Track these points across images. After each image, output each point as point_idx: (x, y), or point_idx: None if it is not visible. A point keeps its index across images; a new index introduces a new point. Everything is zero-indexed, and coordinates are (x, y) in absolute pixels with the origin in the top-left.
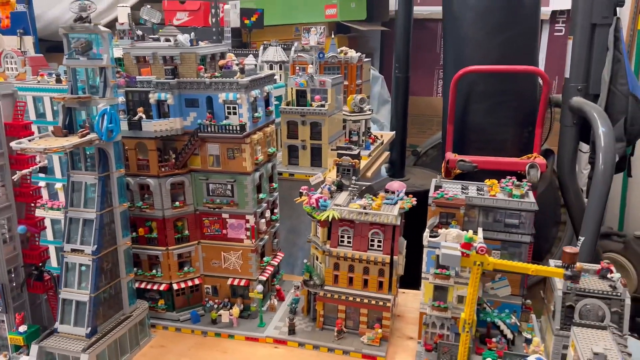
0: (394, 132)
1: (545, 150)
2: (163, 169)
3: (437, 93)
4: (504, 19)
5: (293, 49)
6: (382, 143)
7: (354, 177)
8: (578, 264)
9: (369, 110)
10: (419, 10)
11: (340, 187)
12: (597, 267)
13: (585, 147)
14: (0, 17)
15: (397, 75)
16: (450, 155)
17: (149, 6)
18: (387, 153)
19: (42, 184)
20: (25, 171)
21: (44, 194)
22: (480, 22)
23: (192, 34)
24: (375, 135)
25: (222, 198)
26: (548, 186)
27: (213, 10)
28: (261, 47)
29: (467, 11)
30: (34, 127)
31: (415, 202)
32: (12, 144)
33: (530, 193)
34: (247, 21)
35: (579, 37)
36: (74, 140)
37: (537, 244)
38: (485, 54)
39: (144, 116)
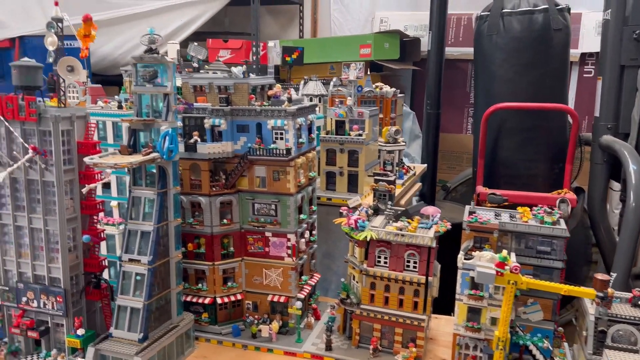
0: (425, 165)
1: (576, 188)
2: (214, 189)
3: (466, 130)
4: (533, 59)
5: (332, 83)
6: (414, 174)
7: (389, 202)
8: (610, 290)
9: (403, 142)
10: (450, 51)
11: (376, 211)
12: (629, 295)
13: (616, 185)
14: (80, 47)
15: (429, 112)
16: (481, 189)
17: (195, 44)
18: (418, 184)
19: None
20: (92, 185)
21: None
22: (510, 61)
23: (244, 66)
24: (408, 166)
25: (266, 217)
26: (579, 225)
27: (254, 49)
28: (302, 82)
29: (497, 51)
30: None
31: (450, 226)
32: (86, 159)
33: (562, 220)
34: (288, 58)
35: (608, 78)
36: (139, 157)
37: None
38: (515, 92)
39: (198, 139)
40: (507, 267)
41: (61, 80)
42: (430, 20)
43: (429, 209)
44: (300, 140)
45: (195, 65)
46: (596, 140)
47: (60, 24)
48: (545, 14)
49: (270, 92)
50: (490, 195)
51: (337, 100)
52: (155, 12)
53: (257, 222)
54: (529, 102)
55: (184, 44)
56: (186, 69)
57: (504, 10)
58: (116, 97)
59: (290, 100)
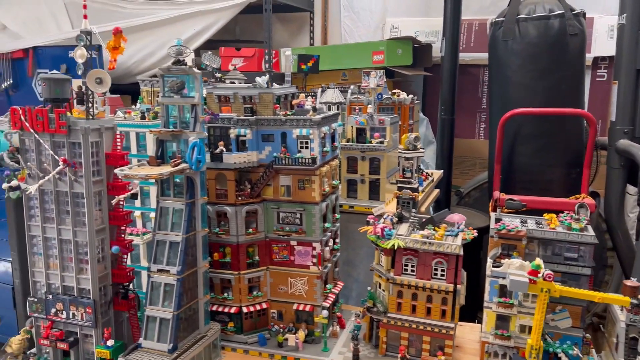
0: (442, 171)
1: (591, 193)
2: (239, 198)
3: (478, 135)
4: (549, 64)
5: (350, 91)
6: (432, 180)
7: (413, 210)
8: None
9: (422, 148)
10: (462, 56)
11: (400, 219)
12: None
13: (632, 189)
14: (109, 59)
15: (443, 117)
16: (497, 194)
17: (209, 52)
18: (437, 190)
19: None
20: (121, 197)
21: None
22: (526, 67)
23: (268, 76)
24: (427, 173)
25: (291, 226)
26: (594, 229)
27: (267, 57)
28: (319, 90)
29: (513, 57)
30: None
31: (476, 234)
32: (117, 170)
33: (589, 227)
34: (304, 66)
35: (624, 81)
36: (169, 168)
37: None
38: (531, 97)
39: (224, 149)
40: (539, 275)
41: (90, 92)
42: (443, 26)
43: (455, 217)
44: (325, 149)
45: (218, 75)
46: (612, 145)
47: (89, 37)
48: (562, 19)
49: (295, 102)
50: (509, 201)
51: (355, 107)
52: (168, 22)
53: (282, 231)
54: (545, 108)
55: (197, 52)
56: (209, 81)
57: (519, 16)
58: (138, 106)
59: (315, 109)
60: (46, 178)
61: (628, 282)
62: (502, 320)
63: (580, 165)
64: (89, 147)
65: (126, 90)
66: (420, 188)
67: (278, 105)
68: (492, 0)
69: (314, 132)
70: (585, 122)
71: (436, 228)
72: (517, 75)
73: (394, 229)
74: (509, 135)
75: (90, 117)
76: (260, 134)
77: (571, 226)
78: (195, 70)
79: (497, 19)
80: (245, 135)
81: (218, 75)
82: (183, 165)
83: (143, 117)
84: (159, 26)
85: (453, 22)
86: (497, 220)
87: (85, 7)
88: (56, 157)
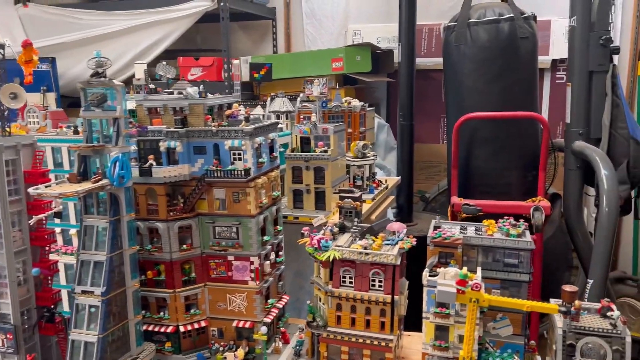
0: (400, 177)
1: (552, 195)
2: (171, 213)
3: (443, 140)
4: (501, 68)
5: (298, 99)
6: (386, 187)
7: (356, 219)
8: (577, 302)
9: (373, 156)
10: (423, 62)
11: (342, 229)
12: (597, 305)
13: (592, 190)
14: (24, 74)
15: (402, 123)
16: (455, 200)
17: (164, 62)
18: (392, 197)
19: (57, 230)
20: (41, 216)
21: (59, 239)
22: (479, 71)
23: (201, 86)
24: (379, 180)
25: (228, 240)
26: (557, 231)
27: (225, 66)
28: (269, 99)
29: (466, 61)
30: (51, 175)
31: (415, 242)
32: (30, 190)
33: (527, 232)
34: (256, 75)
35: (577, 84)
36: (86, 185)
37: (548, 289)
38: (485, 101)
39: (154, 163)
40: (467, 285)
41: (3, 108)
42: (399, 31)
43: (394, 225)
44: (260, 160)
45: (152, 86)
46: (569, 147)
47: (1, 50)
48: (511, 23)
49: (227, 112)
50: (465, 206)
51: (303, 116)
52: (124, 32)
53: (218, 246)
54: (499, 111)
55: (154, 63)
56: (163, 92)
57: (470, 20)
58: (74, 122)
59: (247, 119)
60: None
61: (566, 287)
62: (441, 331)
63: (536, 168)
64: (3, 166)
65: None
66: (371, 196)
67: (210, 116)
68: (450, 4)
69: (246, 143)
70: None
71: (374, 238)
72: (471, 80)
73: (332, 240)
74: (464, 140)
75: (7, 133)
76: (192, 146)
77: (509, 232)
78: (116, 82)
79: (449, 24)
80: (175, 148)
81: (152, 86)
82: (104, 181)
83: (76, 132)
84: (116, 37)
85: (408, 28)
86: (435, 227)
87: None
88: None
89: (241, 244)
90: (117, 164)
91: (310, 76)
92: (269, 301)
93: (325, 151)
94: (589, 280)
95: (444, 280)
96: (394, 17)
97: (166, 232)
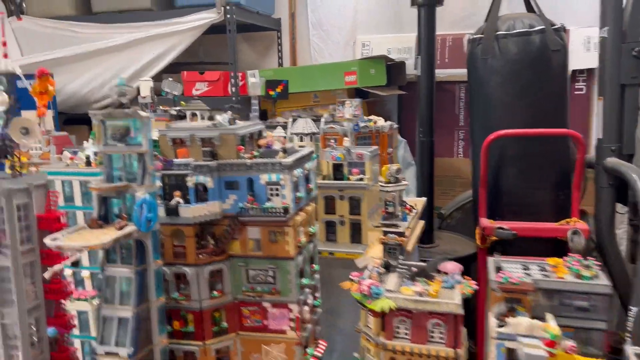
0: (425, 198)
1: (579, 212)
2: (201, 256)
3: (457, 154)
4: (531, 82)
5: (323, 120)
6: (417, 212)
7: (400, 256)
8: None
9: (404, 179)
10: (438, 73)
11: (387, 268)
12: None
13: (622, 208)
14: (37, 105)
15: (422, 140)
16: (485, 222)
17: (170, 78)
18: (421, 223)
19: (67, 272)
20: (57, 268)
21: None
22: (507, 85)
23: (230, 112)
24: (410, 205)
25: (263, 285)
26: (583, 250)
27: (232, 80)
28: (290, 119)
29: (493, 75)
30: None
31: (477, 287)
32: (47, 240)
33: (602, 274)
34: (272, 92)
35: (609, 98)
36: (112, 233)
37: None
38: (513, 117)
39: (181, 201)
40: (559, 347)
41: (13, 145)
42: (418, 43)
43: (448, 266)
44: (299, 194)
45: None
46: (600, 163)
47: (10, 79)
48: (542, 35)
49: (261, 142)
50: (498, 230)
51: (330, 138)
52: (125, 46)
53: (252, 291)
54: (528, 127)
55: (157, 77)
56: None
57: (498, 32)
58: (89, 143)
59: (285, 150)
60: None
61: None
62: None
63: (568, 186)
64: (14, 212)
65: (82, 119)
66: (405, 223)
67: (243, 146)
68: (463, 14)
69: (285, 177)
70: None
71: (430, 282)
72: (498, 94)
73: (381, 285)
74: (493, 158)
75: (17, 174)
76: (224, 181)
77: (580, 274)
78: (142, 113)
79: (474, 36)
80: (205, 184)
81: (175, 109)
82: (130, 228)
83: (88, 164)
84: (116, 51)
85: (428, 39)
86: (497, 269)
87: (4, 44)
88: None
89: (278, 290)
90: (145, 206)
91: (321, 90)
92: (308, 350)
93: (361, 179)
94: (631, 307)
95: (523, 337)
96: (405, 27)
97: (195, 277)
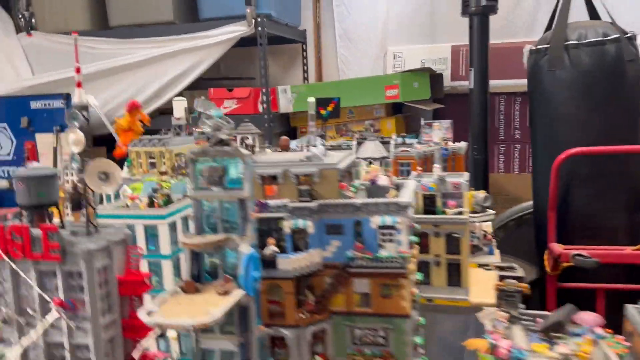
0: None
1: None
2: (302, 315)
3: (498, 169)
4: (605, 96)
5: (392, 142)
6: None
7: (520, 305)
8: None
9: (489, 208)
10: (464, 85)
11: (510, 320)
12: None
13: None
14: (117, 143)
15: (476, 157)
16: (557, 248)
17: (203, 97)
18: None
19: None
20: (146, 343)
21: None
22: (579, 99)
23: (321, 140)
24: (490, 234)
25: (373, 347)
26: None
27: (264, 97)
28: (354, 142)
29: (563, 88)
30: None
31: (628, 346)
32: (143, 316)
33: None
34: (323, 111)
35: None
36: (218, 302)
37: None
38: (585, 133)
39: (276, 249)
40: None
41: (90, 194)
42: (470, 55)
43: (586, 317)
44: (412, 238)
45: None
46: None
47: (85, 113)
48: (617, 44)
49: (366, 177)
50: (577, 258)
51: (402, 162)
52: (146, 62)
53: (360, 354)
54: (602, 144)
55: (180, 95)
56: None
57: (568, 42)
58: (125, 171)
59: (398, 187)
60: (34, 337)
61: None
62: None
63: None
64: (95, 278)
65: (101, 140)
66: (493, 257)
67: (344, 183)
68: (502, 23)
69: (401, 220)
70: None
71: (579, 343)
72: (568, 109)
73: (522, 348)
74: (562, 178)
75: (93, 229)
76: (324, 225)
77: None
78: (244, 151)
79: (538, 47)
80: (305, 229)
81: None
82: (237, 293)
83: (152, 204)
84: (138, 67)
85: (481, 51)
86: None
87: (78, 71)
88: (46, 297)
89: (392, 353)
90: (252, 263)
91: (360, 106)
92: None
93: (460, 212)
94: None
95: None
96: (440, 36)
97: (296, 341)
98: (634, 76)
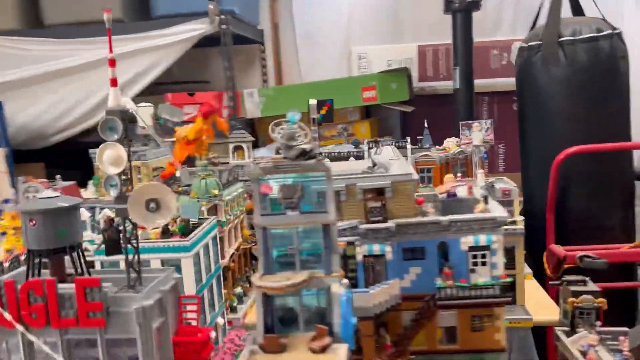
0: None
1: None
2: (381, 359)
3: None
4: (601, 92)
5: (408, 146)
6: None
7: (597, 323)
8: None
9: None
10: (435, 86)
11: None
12: None
13: None
14: (172, 159)
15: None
16: (558, 249)
17: (167, 103)
18: None
19: None
20: None
21: None
22: (576, 97)
23: (392, 146)
24: None
25: None
26: None
27: (231, 102)
28: (366, 145)
29: (558, 86)
30: None
31: None
32: None
33: None
34: (317, 115)
35: None
36: None
37: None
38: (582, 131)
39: (347, 282)
40: None
41: (134, 229)
42: (454, 54)
43: None
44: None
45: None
46: None
47: (124, 117)
48: (611, 40)
49: (443, 188)
50: (586, 259)
51: (422, 169)
52: (92, 65)
53: None
54: (600, 142)
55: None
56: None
57: (563, 39)
58: (90, 190)
59: (487, 199)
60: None
61: None
62: None
63: (632, 205)
64: (151, 343)
65: (35, 156)
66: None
67: (422, 199)
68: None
69: (497, 238)
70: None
71: None
72: (565, 106)
73: None
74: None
75: (136, 278)
76: (401, 249)
77: None
78: (328, 164)
79: (531, 43)
80: (384, 255)
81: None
82: (341, 350)
83: (166, 232)
84: (81, 71)
85: (465, 48)
86: None
87: (112, 63)
88: None
89: None
90: (349, 307)
91: (336, 108)
92: None
93: (514, 222)
94: None
95: None
96: (406, 36)
97: None
98: (625, 73)
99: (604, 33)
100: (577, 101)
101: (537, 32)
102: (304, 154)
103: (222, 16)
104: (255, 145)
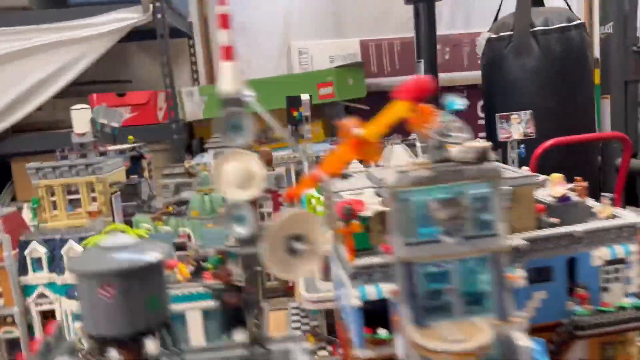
0: None
1: None
2: None
3: None
4: (575, 83)
5: (418, 145)
6: None
7: None
8: None
9: None
10: (384, 82)
11: None
12: None
13: None
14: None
15: None
16: None
17: (105, 104)
18: None
19: None
20: None
21: None
22: (551, 88)
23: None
24: None
25: None
26: None
27: (171, 102)
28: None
29: (533, 77)
30: None
31: None
32: None
33: None
34: (295, 113)
35: (617, 95)
36: None
37: None
38: (558, 124)
39: None
40: None
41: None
42: (417, 47)
43: None
44: None
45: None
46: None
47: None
48: (579, 30)
49: (554, 193)
50: None
51: None
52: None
53: None
54: (575, 133)
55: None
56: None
57: (536, 28)
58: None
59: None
60: None
61: None
62: None
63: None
64: None
65: None
66: None
67: (545, 206)
68: (409, 15)
69: (634, 249)
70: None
71: None
72: (539, 99)
73: None
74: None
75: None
76: (526, 270)
77: None
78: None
79: (501, 34)
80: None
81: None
82: None
83: (200, 271)
84: None
85: (429, 40)
86: None
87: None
88: None
89: None
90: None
91: (282, 108)
92: None
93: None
94: None
95: None
96: (348, 31)
97: None
98: (591, 63)
99: (575, 23)
100: (551, 92)
101: (506, 22)
102: (483, 157)
103: (157, 3)
104: (189, 150)
